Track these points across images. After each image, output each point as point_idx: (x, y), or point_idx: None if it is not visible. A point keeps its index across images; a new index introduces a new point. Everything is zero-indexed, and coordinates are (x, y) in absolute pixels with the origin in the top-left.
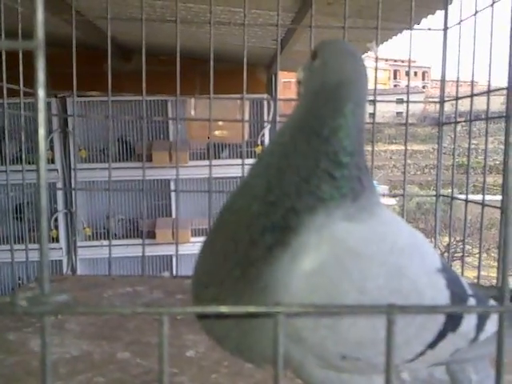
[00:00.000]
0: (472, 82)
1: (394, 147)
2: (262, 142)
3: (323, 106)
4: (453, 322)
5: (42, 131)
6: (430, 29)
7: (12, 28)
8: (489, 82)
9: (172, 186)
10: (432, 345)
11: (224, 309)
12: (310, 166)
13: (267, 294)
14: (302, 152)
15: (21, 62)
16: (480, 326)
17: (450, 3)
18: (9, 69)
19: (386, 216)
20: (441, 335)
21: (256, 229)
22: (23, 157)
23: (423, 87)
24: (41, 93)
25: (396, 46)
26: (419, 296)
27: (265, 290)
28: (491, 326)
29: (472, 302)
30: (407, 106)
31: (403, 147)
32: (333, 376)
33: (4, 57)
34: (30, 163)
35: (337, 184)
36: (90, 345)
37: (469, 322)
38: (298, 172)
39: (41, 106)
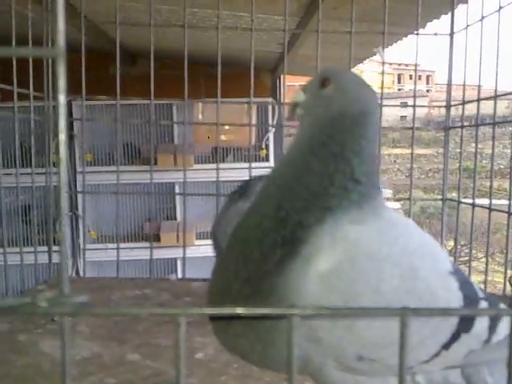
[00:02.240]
0: (479, 86)
1: (397, 151)
2: (267, 146)
3: (346, 131)
4: (466, 323)
5: (62, 136)
6: (436, 34)
7: (20, 33)
8: (495, 87)
9: (177, 189)
10: (446, 346)
11: (240, 310)
12: (323, 183)
13: (282, 302)
14: (315, 172)
15: (31, 66)
16: (492, 328)
17: (456, 8)
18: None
19: (394, 218)
20: (455, 336)
21: (267, 244)
22: (33, 160)
23: (427, 91)
24: (61, 98)
25: (400, 50)
26: (433, 297)
27: (279, 301)
28: (504, 328)
29: (484, 304)
30: (414, 110)
31: (407, 151)
32: (350, 379)
33: (14, 62)
34: (38, 166)
35: (346, 195)
36: (100, 346)
37: (481, 324)
38: (309, 189)
39: (61, 111)
